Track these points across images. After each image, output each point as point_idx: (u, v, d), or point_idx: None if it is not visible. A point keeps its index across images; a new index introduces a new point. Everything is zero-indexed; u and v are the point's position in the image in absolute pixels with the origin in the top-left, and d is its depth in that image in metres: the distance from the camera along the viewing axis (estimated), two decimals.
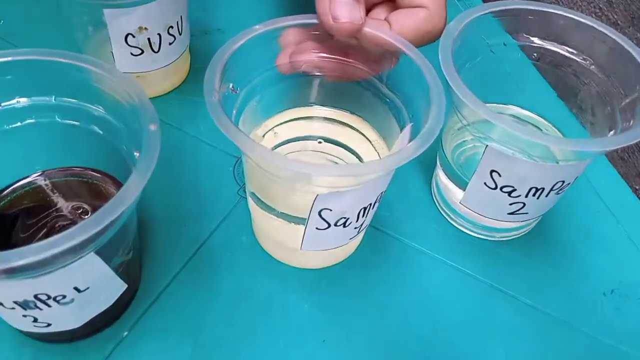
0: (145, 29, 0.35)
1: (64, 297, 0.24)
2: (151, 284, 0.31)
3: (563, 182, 0.30)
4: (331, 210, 0.26)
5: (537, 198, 0.31)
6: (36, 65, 0.25)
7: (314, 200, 0.25)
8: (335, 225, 0.28)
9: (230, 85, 0.27)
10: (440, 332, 0.31)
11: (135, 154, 0.25)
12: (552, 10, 0.33)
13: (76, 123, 0.26)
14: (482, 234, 0.36)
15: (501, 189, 0.31)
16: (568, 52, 0.33)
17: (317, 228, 0.28)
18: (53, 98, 0.26)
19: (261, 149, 0.23)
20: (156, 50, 0.37)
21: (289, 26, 0.29)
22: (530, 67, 0.35)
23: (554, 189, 0.30)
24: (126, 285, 0.27)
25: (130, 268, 0.28)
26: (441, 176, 0.36)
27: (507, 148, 0.29)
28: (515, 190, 0.30)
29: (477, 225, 0.36)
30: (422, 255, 0.35)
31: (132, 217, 0.26)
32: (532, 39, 0.34)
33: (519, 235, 0.36)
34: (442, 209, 0.37)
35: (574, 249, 0.36)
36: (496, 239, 0.36)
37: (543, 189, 0.30)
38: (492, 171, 0.30)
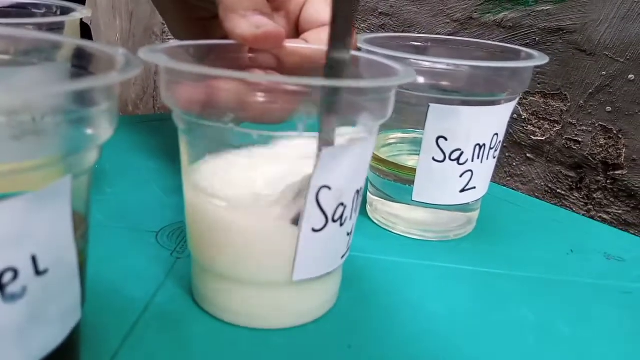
0: None
1: (15, 274, 0.15)
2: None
3: (497, 134, 0.33)
4: (330, 188, 0.23)
5: (481, 162, 0.33)
6: None
7: (312, 175, 0.22)
8: (333, 220, 0.24)
9: None
10: (462, 323, 0.28)
11: None
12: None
13: None
14: (440, 236, 0.35)
15: (450, 156, 0.32)
16: None
17: (313, 229, 0.23)
18: None
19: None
20: None
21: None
22: None
23: (492, 146, 0.33)
24: (80, 315, 0.19)
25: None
26: (383, 205, 0.36)
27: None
28: (462, 153, 0.32)
29: (432, 230, 0.35)
30: (415, 267, 0.32)
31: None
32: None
33: (469, 233, 0.36)
34: (400, 229, 0.35)
35: (520, 232, 0.37)
36: (451, 238, 0.35)
37: (485, 145, 0.32)
38: (438, 138, 0.31)
